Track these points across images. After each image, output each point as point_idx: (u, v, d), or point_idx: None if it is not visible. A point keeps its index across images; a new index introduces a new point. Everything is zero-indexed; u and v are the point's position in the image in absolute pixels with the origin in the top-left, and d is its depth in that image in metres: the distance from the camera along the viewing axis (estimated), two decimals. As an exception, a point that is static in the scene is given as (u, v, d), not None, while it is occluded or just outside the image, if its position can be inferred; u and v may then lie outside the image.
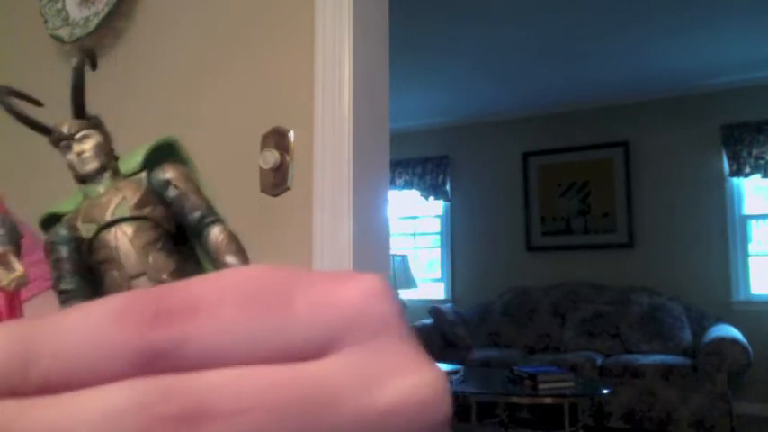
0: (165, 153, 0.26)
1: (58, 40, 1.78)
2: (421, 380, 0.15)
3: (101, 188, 0.25)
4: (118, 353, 0.14)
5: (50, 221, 0.25)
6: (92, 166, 0.25)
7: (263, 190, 1.47)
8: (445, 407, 0.15)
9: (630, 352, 4.87)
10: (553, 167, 5.91)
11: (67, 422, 0.13)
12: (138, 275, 0.23)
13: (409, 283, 5.82)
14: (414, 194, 6.43)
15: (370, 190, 1.41)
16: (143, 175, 0.25)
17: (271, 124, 1.48)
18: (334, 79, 1.39)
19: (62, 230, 0.24)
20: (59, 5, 1.80)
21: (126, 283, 0.23)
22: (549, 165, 5.92)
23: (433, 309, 5.54)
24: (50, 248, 0.24)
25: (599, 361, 4.74)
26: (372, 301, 0.16)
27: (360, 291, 0.16)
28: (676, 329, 4.85)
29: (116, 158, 0.26)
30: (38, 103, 0.26)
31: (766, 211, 5.22)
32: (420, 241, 6.57)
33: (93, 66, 0.28)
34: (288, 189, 1.44)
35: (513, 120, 6.08)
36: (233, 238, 0.24)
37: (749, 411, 4.84)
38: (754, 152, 5.03)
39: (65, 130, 0.25)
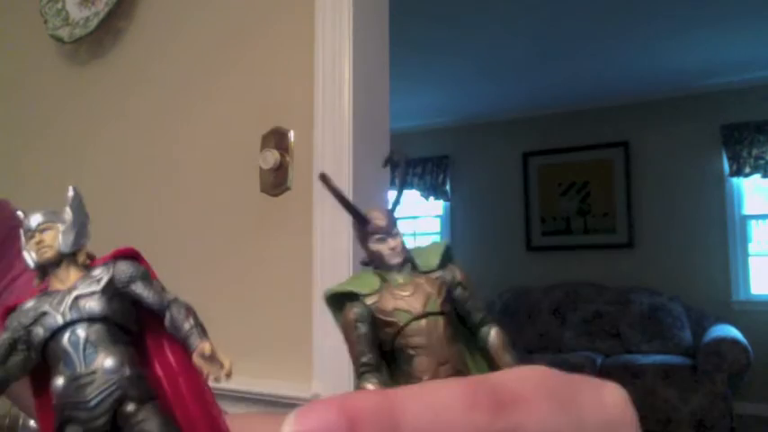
0: (445, 255, 0.30)
1: (58, 40, 1.78)
2: None
3: (400, 279, 0.28)
4: (470, 429, 0.17)
5: (340, 296, 0.29)
6: (399, 258, 0.29)
7: (263, 190, 1.47)
8: None
9: (630, 352, 4.87)
10: (553, 167, 5.91)
11: None
12: (444, 362, 0.26)
13: (409, 283, 5.81)
14: (414, 194, 6.43)
15: (370, 190, 1.41)
16: (438, 274, 0.29)
17: (271, 124, 1.47)
18: (334, 79, 1.39)
19: (363, 310, 0.28)
20: (59, 5, 1.79)
21: (434, 368, 0.26)
22: (549, 165, 5.92)
23: (433, 309, 5.54)
24: (354, 325, 0.28)
25: (599, 361, 4.74)
26: (626, 408, 0.21)
27: (617, 398, 0.21)
28: (676, 329, 4.85)
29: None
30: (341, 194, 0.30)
31: (766, 211, 5.22)
32: (420, 241, 6.56)
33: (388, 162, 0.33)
34: (288, 189, 1.44)
35: (513, 120, 6.08)
36: (508, 339, 0.29)
37: (749, 411, 4.84)
38: (754, 152, 5.03)
39: (383, 224, 0.29)
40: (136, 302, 0.27)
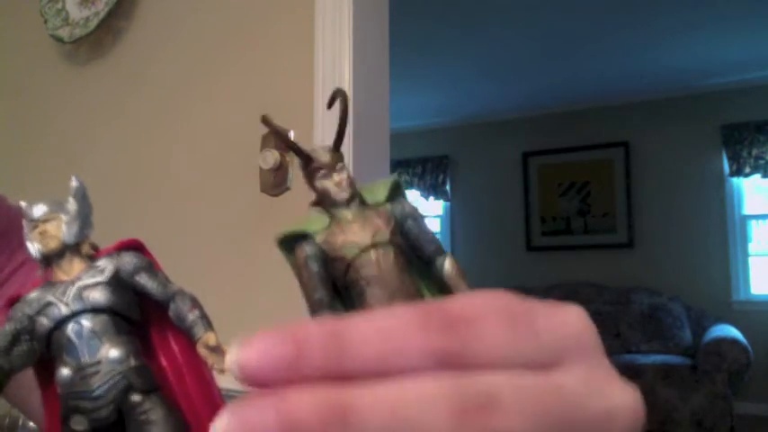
0: (393, 189, 0.30)
1: (58, 40, 1.78)
2: (629, 392, 0.20)
3: (349, 215, 0.28)
4: (420, 350, 0.17)
5: (292, 238, 0.28)
6: (346, 194, 0.28)
7: (263, 190, 1.47)
8: (643, 416, 0.20)
9: (630, 352, 4.87)
10: (553, 167, 5.91)
11: (398, 402, 0.16)
12: (397, 293, 0.26)
13: (409, 283, 5.81)
14: (414, 194, 6.43)
15: (370, 190, 1.41)
16: (388, 206, 0.29)
17: (271, 124, 1.47)
18: (334, 79, 1.39)
19: (313, 248, 0.27)
20: (59, 5, 1.79)
21: (387, 299, 0.26)
22: (549, 165, 5.92)
23: (433, 309, 5.54)
24: (305, 263, 0.27)
25: (599, 361, 4.74)
26: (587, 326, 0.20)
27: (578, 317, 0.20)
28: (676, 329, 4.85)
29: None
30: (286, 131, 0.30)
31: (766, 211, 5.22)
32: (420, 241, 6.56)
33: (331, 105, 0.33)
34: (288, 189, 1.44)
35: (513, 120, 6.08)
36: (462, 270, 0.29)
37: (749, 411, 4.84)
38: (754, 152, 5.03)
39: (326, 160, 0.29)
40: (140, 293, 0.27)
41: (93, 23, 1.71)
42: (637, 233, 5.53)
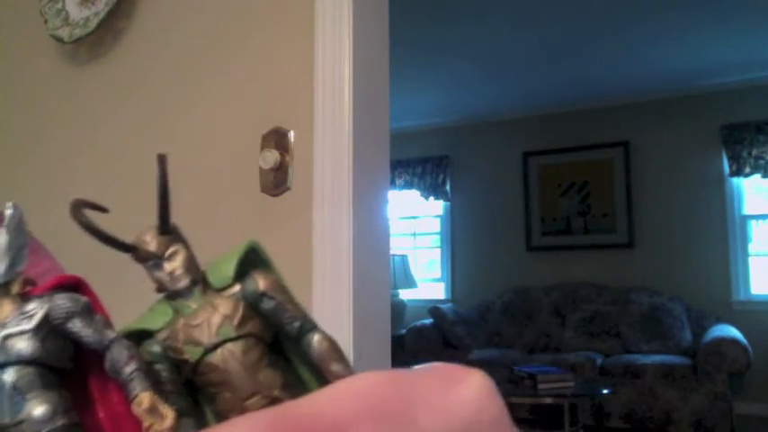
0: (248, 259, 0.26)
1: (58, 40, 1.78)
2: None
3: (193, 304, 0.25)
4: None
5: (134, 336, 0.25)
6: (184, 282, 0.25)
7: (263, 190, 1.47)
8: None
9: (630, 352, 4.87)
10: (553, 167, 5.91)
11: None
12: (251, 395, 0.23)
13: (409, 283, 5.81)
14: (414, 194, 6.42)
15: (370, 190, 1.41)
16: (236, 288, 0.25)
17: (271, 124, 1.47)
18: (334, 79, 1.39)
19: (157, 348, 0.24)
20: (59, 5, 1.79)
21: (240, 404, 0.23)
22: (549, 165, 5.92)
23: (433, 309, 5.54)
24: (152, 368, 0.24)
25: (599, 361, 4.74)
26: (486, 403, 0.17)
27: (474, 393, 0.17)
28: (676, 329, 4.85)
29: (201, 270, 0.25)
30: (104, 210, 0.25)
31: (766, 211, 5.22)
32: (420, 241, 6.56)
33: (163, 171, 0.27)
34: (288, 189, 1.44)
35: (513, 120, 6.08)
36: (335, 345, 0.25)
37: (749, 411, 4.84)
38: (754, 152, 5.03)
39: (153, 248, 0.25)
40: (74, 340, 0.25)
41: (93, 23, 1.71)
42: (637, 233, 5.53)
